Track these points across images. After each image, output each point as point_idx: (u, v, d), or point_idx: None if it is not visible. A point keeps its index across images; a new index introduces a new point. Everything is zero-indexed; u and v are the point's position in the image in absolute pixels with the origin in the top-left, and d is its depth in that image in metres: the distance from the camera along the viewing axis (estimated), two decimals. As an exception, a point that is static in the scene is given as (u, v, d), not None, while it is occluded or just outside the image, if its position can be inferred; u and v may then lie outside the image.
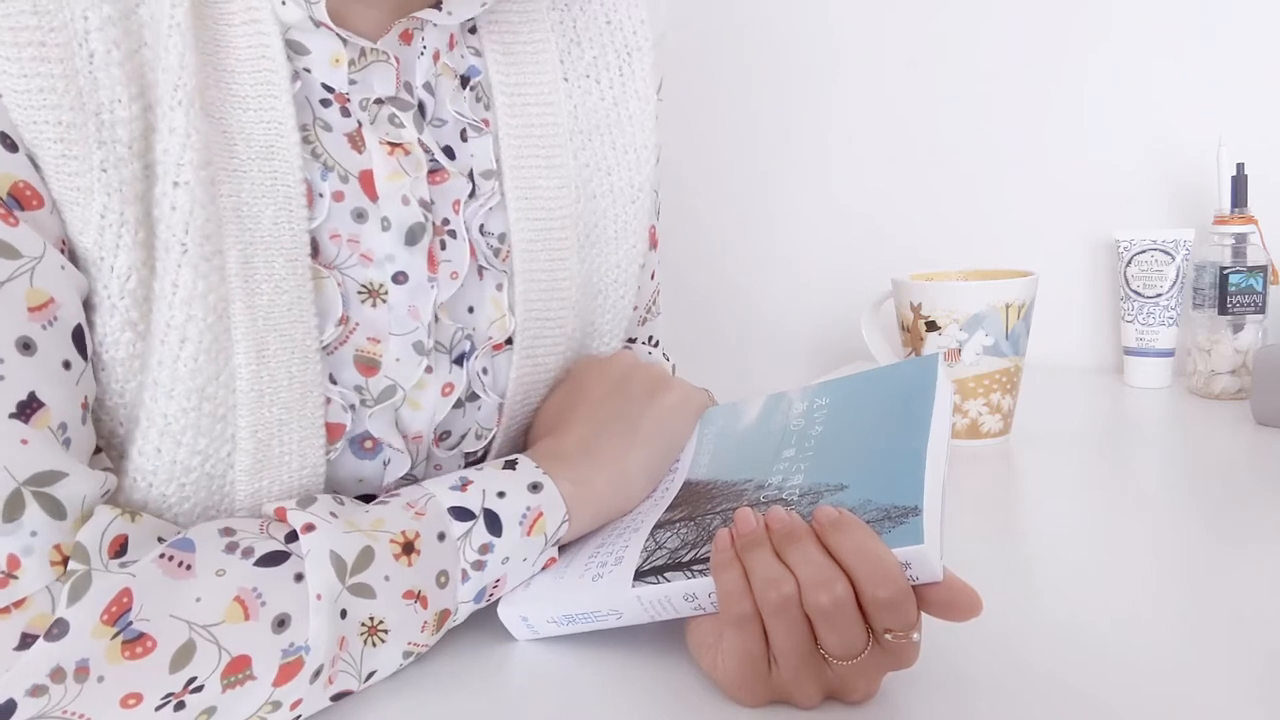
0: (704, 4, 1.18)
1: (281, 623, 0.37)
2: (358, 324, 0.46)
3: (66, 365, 0.37)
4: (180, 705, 0.36)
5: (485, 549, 0.44)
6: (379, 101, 0.48)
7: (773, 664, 0.38)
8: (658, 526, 0.46)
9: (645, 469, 0.51)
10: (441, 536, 0.43)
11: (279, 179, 0.43)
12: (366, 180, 0.47)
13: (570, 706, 0.41)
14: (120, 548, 0.37)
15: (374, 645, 0.40)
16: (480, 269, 0.51)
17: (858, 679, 0.38)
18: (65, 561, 0.35)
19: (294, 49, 0.45)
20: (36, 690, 0.33)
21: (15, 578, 0.34)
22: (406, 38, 0.49)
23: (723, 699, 0.40)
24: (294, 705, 0.38)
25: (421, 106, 0.50)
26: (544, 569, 0.47)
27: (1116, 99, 0.99)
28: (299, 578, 0.39)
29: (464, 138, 0.51)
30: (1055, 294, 1.00)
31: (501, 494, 0.45)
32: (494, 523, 0.44)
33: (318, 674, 0.38)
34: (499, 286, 0.52)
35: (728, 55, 1.19)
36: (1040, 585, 0.51)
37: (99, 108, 0.38)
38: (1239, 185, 0.86)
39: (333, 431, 0.45)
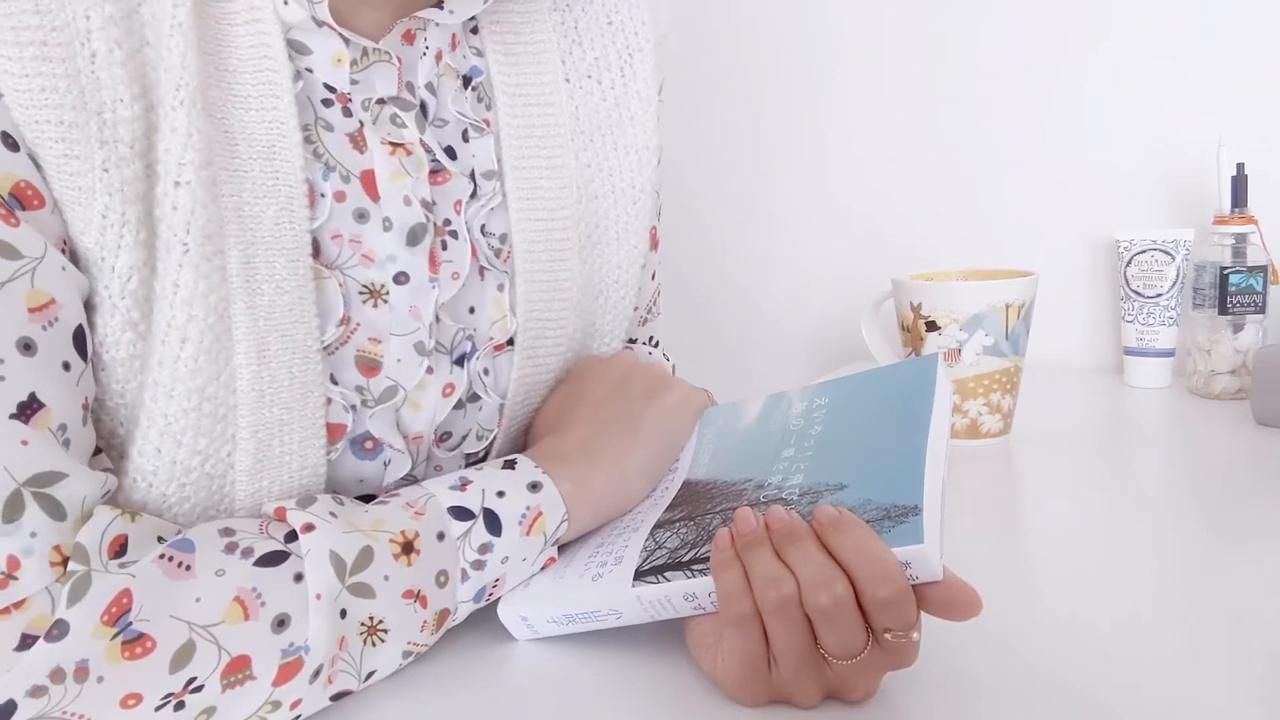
0: (704, 4, 1.18)
1: (281, 622, 0.37)
2: (359, 324, 0.46)
3: (67, 366, 0.37)
4: (180, 705, 0.36)
5: (485, 548, 0.44)
6: (381, 101, 0.48)
7: (773, 664, 0.38)
8: (658, 526, 0.46)
9: (645, 469, 0.51)
10: (441, 536, 0.43)
11: (280, 179, 0.43)
12: (368, 180, 0.47)
13: (570, 706, 0.41)
14: (120, 548, 0.37)
15: (374, 645, 0.40)
16: (481, 269, 0.51)
17: (858, 679, 0.38)
18: (65, 562, 0.35)
19: (296, 49, 0.45)
20: (36, 691, 0.33)
21: (15, 579, 0.34)
22: (409, 38, 0.49)
23: (723, 699, 0.40)
24: (294, 705, 0.38)
25: (423, 106, 0.50)
26: (543, 569, 0.47)
27: (1116, 99, 0.99)
28: (299, 578, 0.39)
29: (466, 138, 0.51)
30: (1055, 294, 1.01)
31: (501, 493, 0.45)
32: (493, 522, 0.44)
33: (317, 674, 0.38)
34: (500, 287, 0.52)
35: (728, 56, 1.19)
36: (1040, 585, 0.51)
37: (101, 107, 0.38)
38: (1239, 185, 0.86)
39: (333, 432, 0.45)
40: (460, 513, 0.44)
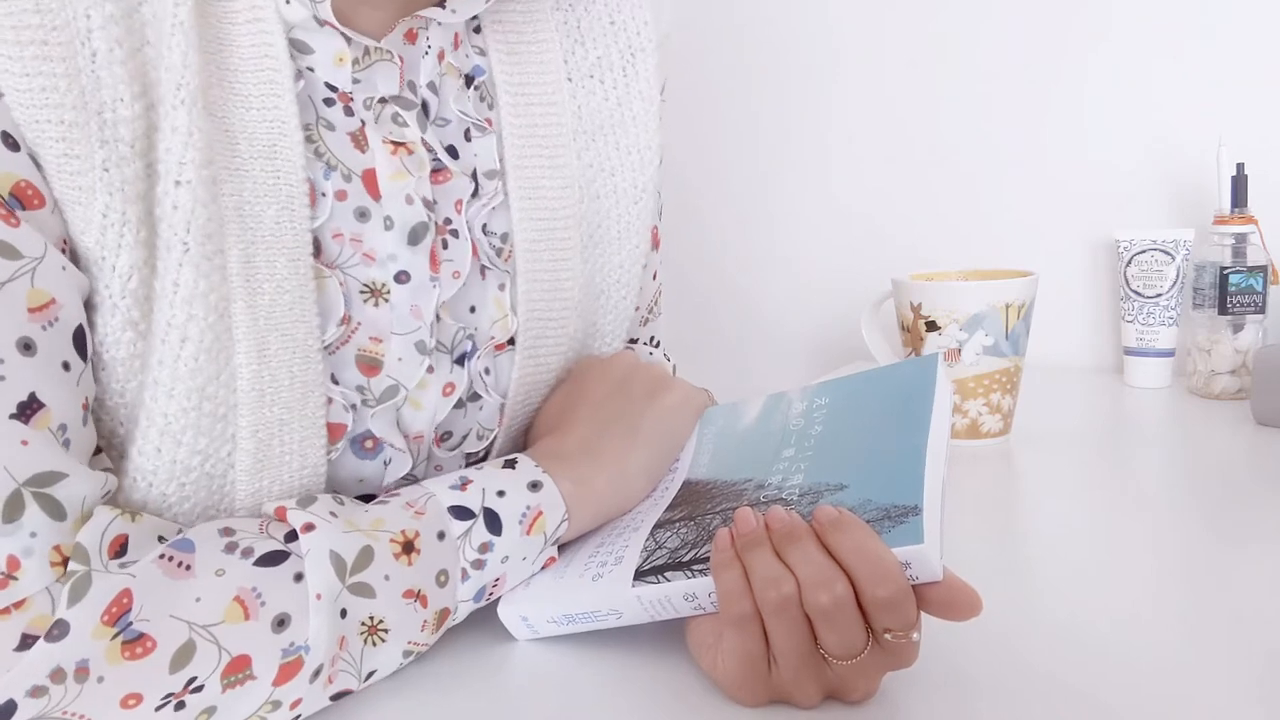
0: (706, 4, 1.18)
1: (281, 622, 0.37)
2: (360, 323, 0.46)
3: (67, 366, 0.37)
4: (180, 705, 0.36)
5: (485, 548, 0.44)
6: (383, 101, 0.48)
7: (773, 664, 0.38)
8: (658, 526, 0.46)
9: (645, 469, 0.51)
10: (441, 535, 0.43)
11: (281, 178, 0.43)
12: (369, 179, 0.47)
13: (570, 706, 0.41)
14: (120, 548, 0.37)
15: (374, 644, 0.40)
16: (483, 269, 0.51)
17: (858, 679, 0.38)
18: (65, 562, 0.35)
19: (297, 48, 0.45)
20: (37, 691, 0.33)
21: (15, 579, 0.34)
22: (411, 37, 0.49)
23: (723, 699, 0.40)
24: (294, 705, 0.38)
25: (425, 106, 0.50)
26: (544, 568, 0.47)
27: (1116, 99, 0.99)
28: (299, 577, 0.39)
29: (467, 137, 0.51)
30: (1055, 294, 1.01)
31: (501, 493, 0.45)
32: (494, 522, 0.44)
33: (317, 673, 0.38)
34: (501, 286, 0.52)
35: (728, 55, 1.19)
36: (1040, 585, 0.51)
37: (101, 107, 0.38)
38: (1239, 185, 0.86)
39: (334, 431, 0.45)
40: (460, 512, 0.44)
